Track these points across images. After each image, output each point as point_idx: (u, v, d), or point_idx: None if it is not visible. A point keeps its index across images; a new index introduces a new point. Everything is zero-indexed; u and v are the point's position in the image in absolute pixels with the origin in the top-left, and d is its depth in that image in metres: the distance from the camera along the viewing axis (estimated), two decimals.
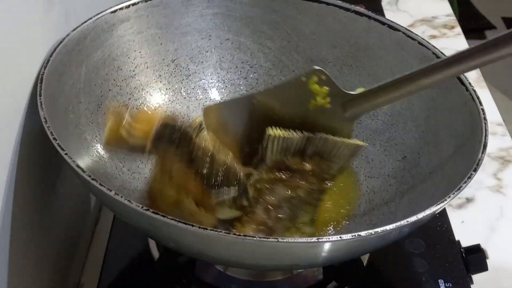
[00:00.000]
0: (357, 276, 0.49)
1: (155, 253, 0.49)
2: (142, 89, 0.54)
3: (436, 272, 0.49)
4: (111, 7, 0.50)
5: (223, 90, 0.57)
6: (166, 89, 0.55)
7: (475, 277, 0.50)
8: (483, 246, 0.52)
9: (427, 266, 0.50)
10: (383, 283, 0.50)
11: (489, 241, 0.56)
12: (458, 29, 0.88)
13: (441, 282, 0.49)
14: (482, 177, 0.64)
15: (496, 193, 0.62)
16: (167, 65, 0.55)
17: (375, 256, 0.50)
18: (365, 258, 0.50)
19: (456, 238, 0.53)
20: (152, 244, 0.50)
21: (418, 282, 0.49)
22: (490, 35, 1.91)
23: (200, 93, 0.57)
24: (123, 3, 0.51)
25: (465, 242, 0.53)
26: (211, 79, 0.57)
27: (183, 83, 0.56)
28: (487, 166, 0.65)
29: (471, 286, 0.49)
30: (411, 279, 0.49)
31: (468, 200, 0.61)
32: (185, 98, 0.56)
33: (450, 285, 0.48)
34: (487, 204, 0.61)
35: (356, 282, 0.49)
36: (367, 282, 0.49)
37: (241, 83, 0.58)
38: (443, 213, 0.55)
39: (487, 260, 0.51)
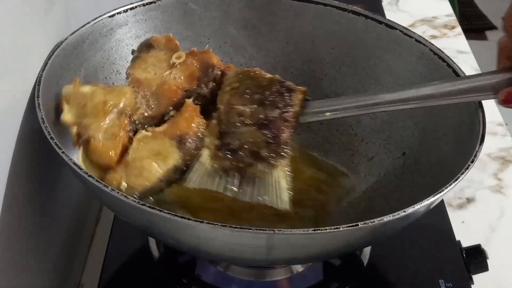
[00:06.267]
0: (357, 276, 0.49)
1: (155, 253, 0.50)
2: None
3: (436, 272, 0.49)
4: (109, 12, 0.51)
5: None
6: None
7: (476, 277, 0.50)
8: (483, 246, 0.51)
9: (427, 266, 0.50)
10: (383, 283, 0.50)
11: (490, 241, 0.56)
12: (459, 29, 0.88)
13: (441, 282, 0.48)
14: (483, 177, 0.64)
15: (497, 193, 0.62)
16: None
17: (375, 257, 0.50)
18: (365, 259, 0.50)
19: (457, 238, 0.53)
20: (152, 244, 0.50)
21: (418, 282, 0.49)
22: (491, 35, 1.90)
23: None
24: (121, 7, 0.52)
25: (466, 242, 0.52)
26: None
27: None
28: (488, 166, 0.65)
29: (472, 286, 0.49)
30: (411, 279, 0.49)
31: (469, 200, 0.61)
32: None
33: (451, 285, 0.48)
34: (487, 204, 0.61)
35: (357, 282, 0.49)
36: (367, 282, 0.49)
37: None
38: (444, 213, 0.55)
39: (487, 260, 0.51)
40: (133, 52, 0.48)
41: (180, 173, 0.42)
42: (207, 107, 0.45)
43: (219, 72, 0.46)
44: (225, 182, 0.42)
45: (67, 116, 0.42)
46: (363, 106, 0.44)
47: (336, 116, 0.45)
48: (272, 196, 0.43)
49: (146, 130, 0.43)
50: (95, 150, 0.41)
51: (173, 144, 0.41)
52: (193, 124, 0.43)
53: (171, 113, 0.45)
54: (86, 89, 0.44)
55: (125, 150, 0.42)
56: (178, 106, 0.44)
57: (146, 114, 0.44)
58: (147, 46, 0.46)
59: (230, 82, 0.45)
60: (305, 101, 0.44)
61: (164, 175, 0.41)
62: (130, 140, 0.43)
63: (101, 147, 0.41)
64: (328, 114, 0.44)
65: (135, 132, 0.44)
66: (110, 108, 0.42)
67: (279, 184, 0.43)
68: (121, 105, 0.43)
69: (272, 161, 0.42)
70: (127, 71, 0.47)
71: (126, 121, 0.42)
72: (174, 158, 0.41)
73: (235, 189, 0.42)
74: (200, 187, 0.42)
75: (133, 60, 0.47)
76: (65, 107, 0.43)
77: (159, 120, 0.45)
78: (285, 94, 0.44)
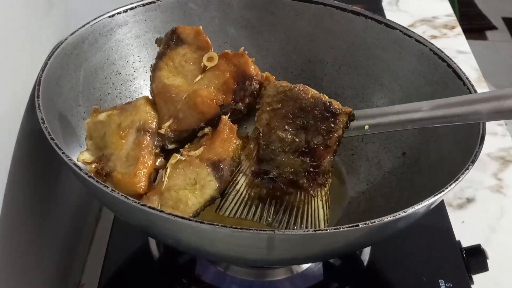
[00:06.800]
0: (357, 276, 0.49)
1: (155, 253, 0.50)
2: (141, 92, 0.54)
3: (436, 272, 0.49)
4: (109, 12, 0.51)
5: None
6: None
7: (476, 277, 0.50)
8: (483, 246, 0.51)
9: (427, 266, 0.50)
10: (383, 283, 0.50)
11: (490, 241, 0.56)
12: (459, 29, 0.88)
13: (441, 282, 0.48)
14: (483, 177, 0.64)
15: (497, 193, 0.62)
16: None
17: (375, 257, 0.50)
18: (365, 259, 0.50)
19: (457, 238, 0.53)
20: (152, 244, 0.50)
21: (418, 282, 0.49)
22: (491, 35, 1.90)
23: None
24: (120, 7, 0.52)
25: (466, 242, 0.52)
26: None
27: None
28: (488, 166, 0.65)
29: (472, 286, 0.49)
30: (411, 279, 0.49)
31: (469, 200, 0.61)
32: None
33: (451, 285, 0.48)
34: (487, 204, 0.61)
35: (357, 282, 0.49)
36: (367, 282, 0.49)
37: None
38: (444, 213, 0.55)
39: (487, 260, 0.51)
40: (157, 41, 0.43)
41: (214, 200, 0.40)
42: (240, 119, 0.43)
43: (257, 85, 0.42)
44: (260, 211, 0.41)
45: (85, 155, 0.39)
46: (406, 121, 0.42)
47: (376, 132, 0.44)
48: (309, 227, 0.41)
49: (180, 153, 0.40)
50: (118, 182, 0.38)
51: (210, 173, 0.38)
52: (230, 148, 0.39)
53: (206, 130, 0.41)
54: (103, 116, 0.40)
55: (152, 169, 0.39)
56: (211, 121, 0.41)
57: (174, 127, 0.40)
58: (175, 40, 0.41)
59: (271, 101, 0.42)
60: (349, 122, 0.42)
61: (200, 208, 0.39)
62: (158, 156, 0.40)
63: (123, 177, 0.38)
64: (367, 128, 0.43)
65: (162, 147, 0.41)
66: (126, 130, 0.38)
67: (317, 214, 0.41)
68: (137, 122, 0.39)
69: (311, 191, 0.40)
70: (151, 69, 0.43)
71: (147, 139, 0.38)
72: (211, 188, 0.39)
73: (270, 219, 0.41)
74: (236, 216, 0.41)
75: (158, 58, 0.42)
76: (87, 144, 0.40)
77: (188, 134, 0.41)
78: (330, 118, 0.41)
